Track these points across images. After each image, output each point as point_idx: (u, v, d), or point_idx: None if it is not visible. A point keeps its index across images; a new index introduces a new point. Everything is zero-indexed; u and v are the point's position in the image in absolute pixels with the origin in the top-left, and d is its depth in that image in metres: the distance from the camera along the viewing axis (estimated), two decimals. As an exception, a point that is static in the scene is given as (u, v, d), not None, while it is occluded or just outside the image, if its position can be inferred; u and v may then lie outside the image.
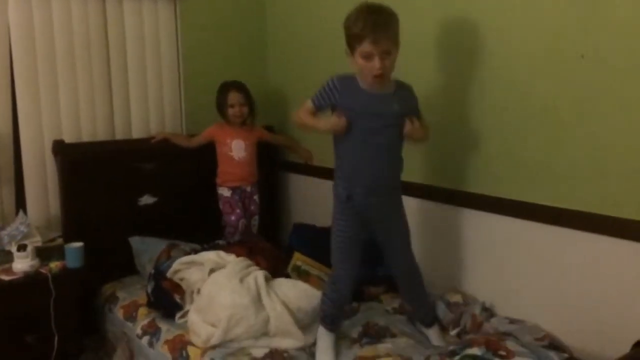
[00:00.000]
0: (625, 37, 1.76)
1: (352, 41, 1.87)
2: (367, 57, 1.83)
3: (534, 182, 2.09)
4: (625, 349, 1.68)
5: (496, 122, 2.18)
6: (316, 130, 2.01)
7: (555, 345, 1.95)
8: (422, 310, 2.19)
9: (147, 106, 3.01)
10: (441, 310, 2.27)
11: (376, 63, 1.83)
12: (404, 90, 2.00)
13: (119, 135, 2.93)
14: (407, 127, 1.94)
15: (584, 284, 1.97)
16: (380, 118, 1.93)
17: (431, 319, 2.18)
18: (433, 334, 2.15)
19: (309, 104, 2.01)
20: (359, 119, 1.92)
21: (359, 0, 2.63)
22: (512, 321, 2.12)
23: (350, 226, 2.01)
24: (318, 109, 2.00)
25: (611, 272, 1.89)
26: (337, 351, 2.03)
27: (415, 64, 2.42)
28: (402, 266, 2.13)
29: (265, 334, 2.09)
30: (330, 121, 1.94)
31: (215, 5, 3.17)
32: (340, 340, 2.10)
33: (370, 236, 2.08)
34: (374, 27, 1.80)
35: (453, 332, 2.19)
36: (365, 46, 1.82)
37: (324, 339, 2.05)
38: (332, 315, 2.06)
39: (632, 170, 1.81)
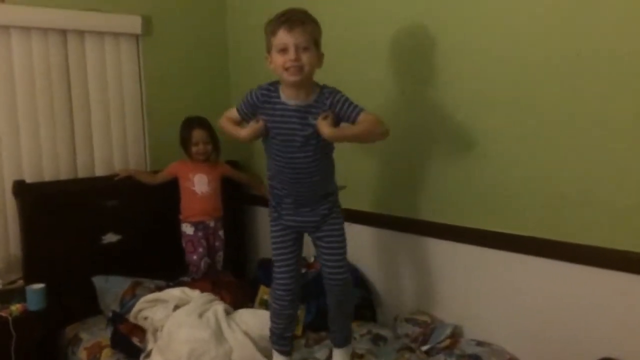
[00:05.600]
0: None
1: (269, 37, 1.82)
2: (282, 50, 1.78)
3: (493, 210, 2.15)
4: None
5: (462, 151, 2.24)
6: (237, 139, 1.98)
7: (518, 367, 2.01)
8: (336, 327, 2.09)
9: (110, 143, 3.01)
10: (407, 327, 2.33)
11: (290, 54, 1.76)
12: (325, 97, 1.86)
13: (82, 174, 2.91)
14: (317, 122, 1.81)
15: (545, 308, 2.03)
16: (296, 134, 1.85)
17: (343, 341, 2.09)
18: (337, 357, 2.08)
19: (234, 112, 1.99)
20: (275, 134, 1.89)
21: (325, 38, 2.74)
22: (479, 343, 2.18)
23: (282, 239, 2.00)
24: (242, 118, 1.97)
25: (571, 295, 1.96)
26: None
27: (374, 81, 2.49)
28: (330, 275, 2.00)
29: (230, 366, 2.09)
30: (248, 128, 1.92)
31: (178, 42, 3.22)
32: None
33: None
34: (290, 18, 1.78)
35: (424, 348, 2.21)
36: (280, 37, 1.78)
37: None
38: (277, 331, 2.02)
39: (591, 197, 1.87)
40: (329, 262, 1.99)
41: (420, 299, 2.47)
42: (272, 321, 2.04)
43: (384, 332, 2.41)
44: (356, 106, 1.85)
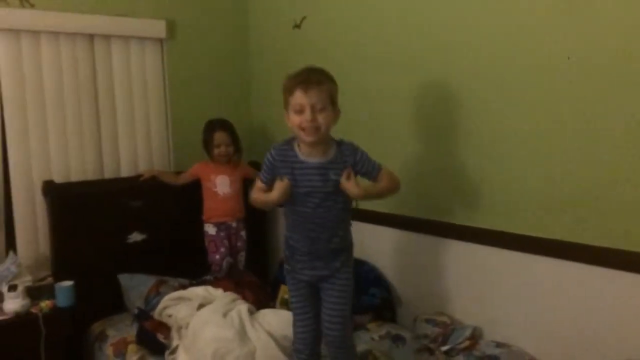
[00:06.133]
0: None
1: (286, 96, 1.85)
2: (299, 111, 1.80)
3: (515, 212, 2.16)
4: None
5: (478, 153, 2.27)
6: (272, 204, 1.97)
7: (538, 370, 2.03)
8: None
9: (135, 144, 3.09)
10: (427, 328, 2.36)
11: (306, 115, 1.78)
12: (343, 154, 1.89)
13: (108, 174, 2.99)
14: (342, 182, 1.85)
15: (566, 311, 2.04)
16: (317, 191, 1.87)
17: None
18: None
19: (259, 182, 2.00)
20: (295, 191, 1.89)
21: (341, 43, 2.81)
22: (499, 345, 2.19)
23: (297, 293, 2.01)
24: (267, 184, 1.96)
25: (592, 298, 1.97)
26: None
27: (398, 91, 2.54)
28: (327, 329, 1.97)
29: (253, 366, 2.14)
30: (276, 190, 1.90)
31: (201, 45, 3.28)
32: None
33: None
34: (306, 79, 1.81)
35: (443, 349, 2.24)
36: (296, 97, 1.80)
37: None
38: None
39: (614, 199, 1.89)
40: (326, 315, 1.96)
41: (440, 300, 2.49)
42: None
43: (403, 333, 2.44)
44: (375, 163, 1.93)
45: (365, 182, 1.95)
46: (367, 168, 1.92)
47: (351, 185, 1.85)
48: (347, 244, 2.00)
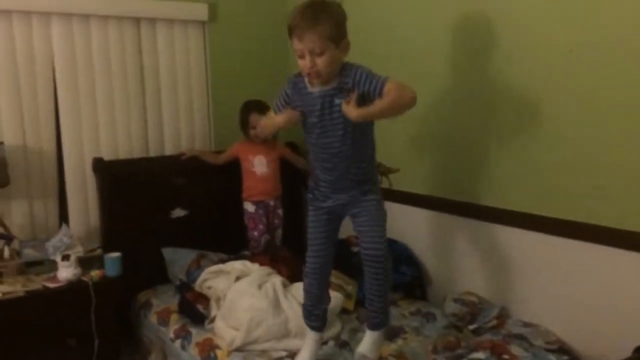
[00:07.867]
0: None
1: (290, 38, 1.83)
2: (300, 55, 1.79)
3: (545, 195, 2.20)
4: (627, 353, 1.79)
5: (502, 138, 2.31)
6: (276, 126, 2.06)
7: (564, 349, 2.07)
8: (370, 306, 2.02)
9: (178, 125, 3.21)
10: (455, 307, 2.41)
11: (306, 62, 1.77)
12: (346, 77, 1.81)
13: (153, 153, 3.13)
14: (342, 107, 1.79)
15: (591, 292, 2.08)
16: (323, 117, 1.86)
17: (374, 324, 2.02)
18: (366, 338, 2.03)
19: (271, 112, 2.07)
20: (308, 121, 1.91)
21: (375, 31, 2.80)
22: (526, 324, 2.24)
23: (315, 220, 2.03)
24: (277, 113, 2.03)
25: (617, 281, 2.00)
26: (315, 352, 2.08)
27: (423, 73, 2.56)
28: (365, 250, 1.94)
29: (286, 335, 2.26)
30: (283, 114, 1.97)
31: (242, 28, 3.36)
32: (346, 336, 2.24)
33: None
34: (300, 22, 1.75)
35: (471, 327, 2.30)
36: (294, 43, 1.79)
37: (306, 338, 2.11)
38: (307, 307, 2.10)
39: (631, 183, 1.92)
40: (362, 239, 1.95)
41: (470, 280, 2.54)
42: (304, 297, 2.13)
43: (433, 310, 2.51)
44: (378, 79, 1.77)
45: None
46: (369, 86, 1.77)
47: (348, 109, 1.76)
48: (368, 178, 1.96)
